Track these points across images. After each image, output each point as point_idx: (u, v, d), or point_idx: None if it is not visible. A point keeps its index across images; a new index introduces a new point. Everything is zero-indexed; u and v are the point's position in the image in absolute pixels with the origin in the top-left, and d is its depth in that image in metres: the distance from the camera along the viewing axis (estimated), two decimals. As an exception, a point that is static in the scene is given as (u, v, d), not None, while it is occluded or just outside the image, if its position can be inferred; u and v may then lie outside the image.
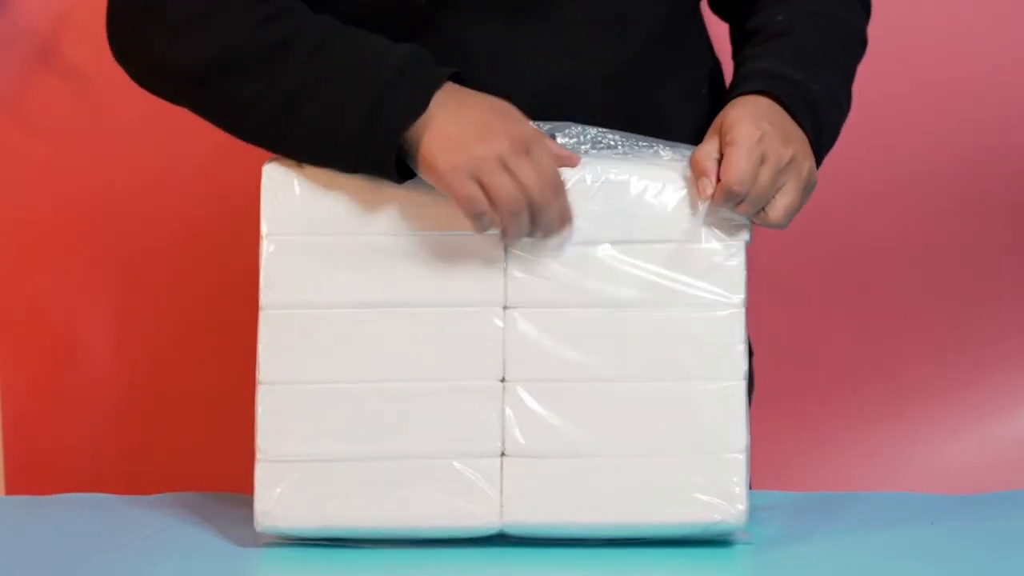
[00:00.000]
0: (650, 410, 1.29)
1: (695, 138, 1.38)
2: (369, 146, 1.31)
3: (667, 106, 1.45)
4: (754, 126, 1.32)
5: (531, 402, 1.29)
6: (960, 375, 2.17)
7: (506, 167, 1.28)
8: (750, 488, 1.31)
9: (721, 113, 1.37)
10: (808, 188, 1.36)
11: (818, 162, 1.40)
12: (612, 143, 1.35)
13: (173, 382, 2.13)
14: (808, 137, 1.37)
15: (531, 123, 1.32)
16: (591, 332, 1.30)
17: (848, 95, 1.47)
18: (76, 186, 2.07)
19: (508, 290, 1.30)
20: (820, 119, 1.40)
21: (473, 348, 1.29)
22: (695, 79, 1.49)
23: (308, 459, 1.28)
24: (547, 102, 1.37)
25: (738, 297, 1.31)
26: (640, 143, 1.35)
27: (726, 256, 1.31)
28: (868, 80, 2.05)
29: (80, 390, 2.12)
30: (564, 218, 1.31)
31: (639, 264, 1.31)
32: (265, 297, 1.30)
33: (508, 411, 1.29)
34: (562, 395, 1.29)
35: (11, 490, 2.07)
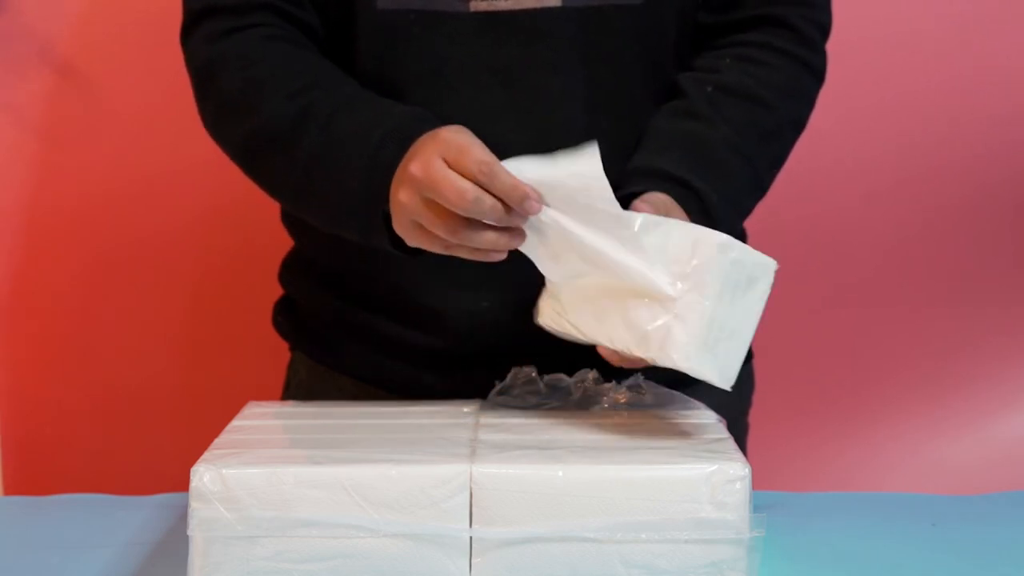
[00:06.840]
0: None
1: None
2: (367, 209, 1.36)
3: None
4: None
5: None
6: (960, 374, 2.17)
7: (425, 201, 1.29)
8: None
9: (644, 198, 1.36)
10: None
11: None
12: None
13: (173, 382, 2.13)
14: None
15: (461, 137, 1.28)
16: None
17: (758, 185, 1.48)
18: (76, 186, 2.07)
19: None
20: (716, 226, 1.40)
21: None
22: None
23: None
24: (547, 124, 1.41)
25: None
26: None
27: None
28: (869, 80, 2.05)
29: (79, 390, 2.12)
30: (516, 193, 1.26)
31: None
32: None
33: None
34: None
35: (9, 490, 2.07)
